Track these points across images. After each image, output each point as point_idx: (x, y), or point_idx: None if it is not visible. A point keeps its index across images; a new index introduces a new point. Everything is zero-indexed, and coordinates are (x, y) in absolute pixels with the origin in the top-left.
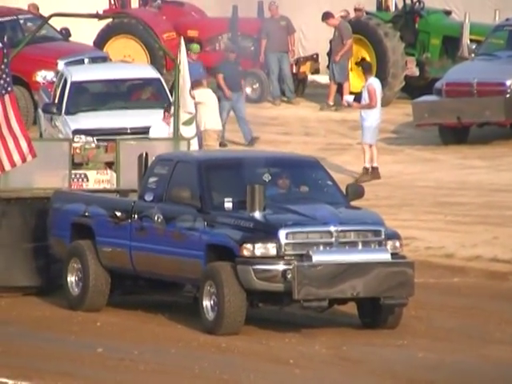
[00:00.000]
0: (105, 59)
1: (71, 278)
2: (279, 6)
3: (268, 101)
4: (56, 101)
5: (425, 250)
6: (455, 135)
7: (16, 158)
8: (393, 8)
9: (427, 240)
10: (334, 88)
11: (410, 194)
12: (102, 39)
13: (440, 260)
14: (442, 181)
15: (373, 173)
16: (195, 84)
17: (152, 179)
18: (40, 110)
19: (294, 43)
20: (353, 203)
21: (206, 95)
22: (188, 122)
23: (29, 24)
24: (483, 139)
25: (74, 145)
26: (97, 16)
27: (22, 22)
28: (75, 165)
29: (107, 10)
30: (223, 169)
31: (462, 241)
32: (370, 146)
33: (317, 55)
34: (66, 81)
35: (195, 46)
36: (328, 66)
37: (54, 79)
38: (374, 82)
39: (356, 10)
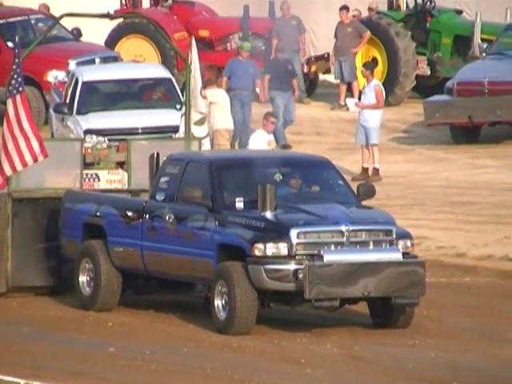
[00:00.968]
0: (116, 59)
1: (83, 278)
2: (291, 5)
3: None
4: (67, 101)
5: (436, 250)
6: (466, 134)
7: (27, 158)
8: (404, 7)
9: (438, 239)
10: (343, 88)
11: (421, 194)
12: (113, 39)
13: (451, 259)
14: (454, 180)
15: (365, 173)
16: (207, 83)
17: (163, 179)
18: (51, 110)
19: (305, 43)
20: (364, 203)
21: (218, 95)
22: (199, 122)
23: (40, 24)
24: (494, 138)
25: (86, 145)
26: (108, 16)
27: (33, 22)
28: (86, 165)
29: (118, 10)
30: (234, 168)
31: (474, 240)
32: (376, 146)
33: (328, 55)
34: (77, 81)
35: (246, 45)
36: (332, 63)
37: (66, 79)
38: (379, 83)
39: (369, 9)
